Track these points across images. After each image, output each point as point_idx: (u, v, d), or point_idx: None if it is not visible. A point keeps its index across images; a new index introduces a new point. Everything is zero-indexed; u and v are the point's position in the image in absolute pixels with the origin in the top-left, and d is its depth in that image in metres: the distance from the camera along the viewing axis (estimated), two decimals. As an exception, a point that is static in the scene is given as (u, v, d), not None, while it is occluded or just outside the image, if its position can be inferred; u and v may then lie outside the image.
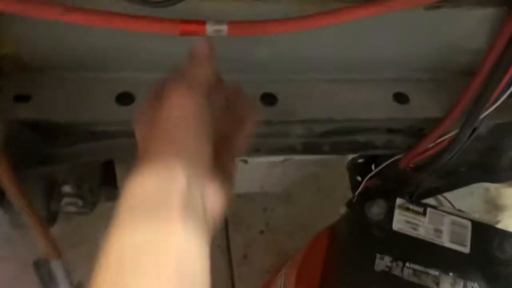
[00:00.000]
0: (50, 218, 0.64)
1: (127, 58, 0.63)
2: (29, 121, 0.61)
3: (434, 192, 0.95)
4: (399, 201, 0.76)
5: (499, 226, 0.82)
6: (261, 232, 1.40)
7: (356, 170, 1.01)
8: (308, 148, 0.72)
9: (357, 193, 0.84)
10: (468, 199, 1.47)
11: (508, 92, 0.62)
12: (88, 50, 0.61)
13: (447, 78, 0.71)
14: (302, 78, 0.68)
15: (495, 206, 1.59)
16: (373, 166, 1.00)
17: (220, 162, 0.41)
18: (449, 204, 1.39)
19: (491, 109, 0.64)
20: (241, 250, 1.36)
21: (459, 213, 0.77)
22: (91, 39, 0.60)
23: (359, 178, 1.00)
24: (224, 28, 0.50)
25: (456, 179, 0.90)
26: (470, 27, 0.64)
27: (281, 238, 1.37)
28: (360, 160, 0.98)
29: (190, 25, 0.50)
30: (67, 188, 0.81)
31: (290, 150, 0.71)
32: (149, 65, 0.64)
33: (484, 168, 0.86)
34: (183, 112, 0.38)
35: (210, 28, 0.50)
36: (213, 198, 0.39)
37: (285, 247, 1.34)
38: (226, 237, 1.37)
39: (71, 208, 0.85)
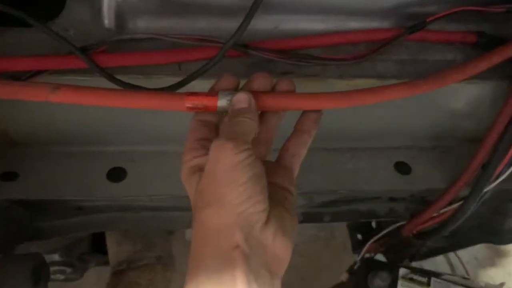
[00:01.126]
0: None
1: (119, 132, 0.61)
2: (17, 199, 0.58)
3: (437, 252, 0.92)
4: (402, 271, 0.73)
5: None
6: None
7: (357, 228, 0.99)
8: (309, 218, 0.69)
9: (358, 259, 0.80)
10: (469, 245, 1.44)
11: (509, 171, 0.61)
12: (77, 125, 0.59)
13: (450, 145, 0.70)
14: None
15: (496, 252, 1.56)
16: (373, 223, 0.97)
17: (278, 209, 0.38)
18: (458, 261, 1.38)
19: (496, 182, 0.62)
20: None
21: (465, 282, 0.73)
22: (80, 114, 0.58)
23: (359, 237, 0.97)
24: None
25: (459, 240, 0.88)
26: (473, 98, 0.63)
27: (280, 290, 1.33)
28: (360, 218, 0.96)
29: (199, 98, 0.41)
30: (55, 257, 0.78)
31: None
32: (144, 138, 0.63)
33: (488, 230, 0.83)
34: (231, 169, 0.36)
35: (223, 101, 0.41)
36: (275, 251, 0.37)
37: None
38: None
39: (59, 276, 0.81)
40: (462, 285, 0.72)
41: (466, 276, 0.78)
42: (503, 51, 0.54)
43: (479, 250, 1.56)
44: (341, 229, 1.21)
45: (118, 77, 0.49)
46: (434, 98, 0.62)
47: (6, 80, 0.48)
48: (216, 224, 0.35)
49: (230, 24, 0.52)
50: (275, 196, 0.39)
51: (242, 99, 0.40)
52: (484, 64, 0.52)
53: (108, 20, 0.54)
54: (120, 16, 0.54)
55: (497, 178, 0.62)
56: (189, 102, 0.41)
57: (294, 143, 0.45)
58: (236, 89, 0.43)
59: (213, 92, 0.42)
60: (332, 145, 0.67)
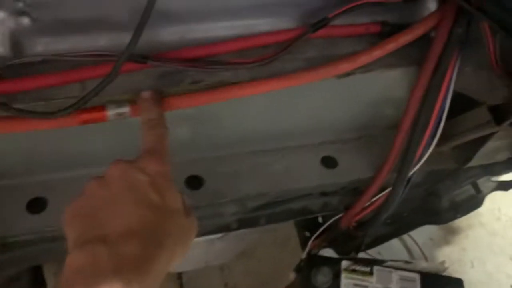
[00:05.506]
0: None
1: (34, 160, 0.59)
2: None
3: (383, 239, 0.93)
4: (344, 263, 0.73)
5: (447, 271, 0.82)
6: (221, 293, 1.34)
7: (304, 225, 0.99)
8: (244, 224, 0.69)
9: (303, 257, 0.81)
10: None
11: (432, 147, 0.62)
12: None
13: (374, 134, 0.71)
14: (227, 153, 0.66)
15: (450, 230, 1.61)
16: (319, 219, 0.98)
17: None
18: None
19: (419, 165, 0.63)
20: (201, 317, 1.29)
21: (407, 266, 0.75)
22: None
23: (307, 234, 0.98)
24: (126, 109, 0.48)
25: (402, 224, 0.90)
26: (387, 86, 0.64)
27: (242, 298, 1.32)
28: (306, 215, 0.97)
29: (89, 113, 0.47)
30: (-11, 297, 0.74)
31: (225, 228, 0.68)
32: (63, 164, 0.60)
33: (427, 212, 0.86)
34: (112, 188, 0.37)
35: (111, 112, 0.47)
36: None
37: (249, 307, 1.29)
38: (183, 305, 1.31)
39: (-5, 317, 0.77)
40: (404, 269, 0.74)
41: (409, 260, 0.80)
42: (399, 37, 0.56)
43: (433, 231, 1.60)
44: (295, 230, 1.21)
45: (18, 105, 0.47)
46: (351, 89, 0.63)
47: None
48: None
49: (134, 39, 0.51)
50: None
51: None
52: (378, 52, 0.54)
53: (3, 47, 0.51)
54: (16, 43, 0.52)
55: (419, 160, 0.63)
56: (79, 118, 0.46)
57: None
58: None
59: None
60: (258, 147, 0.67)
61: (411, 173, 0.64)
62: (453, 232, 1.62)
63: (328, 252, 0.94)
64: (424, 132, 0.61)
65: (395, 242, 1.42)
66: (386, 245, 1.05)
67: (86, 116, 0.46)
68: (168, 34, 0.56)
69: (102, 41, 0.54)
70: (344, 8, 0.57)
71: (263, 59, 0.56)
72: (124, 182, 0.38)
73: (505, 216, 1.69)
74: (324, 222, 0.96)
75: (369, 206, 0.70)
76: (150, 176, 0.38)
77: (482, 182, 0.79)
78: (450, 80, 0.58)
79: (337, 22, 0.59)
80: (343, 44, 0.61)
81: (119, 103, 0.47)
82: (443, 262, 0.77)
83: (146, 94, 0.49)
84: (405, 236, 1.49)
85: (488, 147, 0.64)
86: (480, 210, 1.03)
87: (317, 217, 0.98)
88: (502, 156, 0.69)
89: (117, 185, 0.38)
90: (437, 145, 0.64)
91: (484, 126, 0.59)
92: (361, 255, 0.97)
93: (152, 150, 0.42)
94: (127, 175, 0.38)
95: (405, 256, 1.53)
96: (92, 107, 0.46)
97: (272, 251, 1.38)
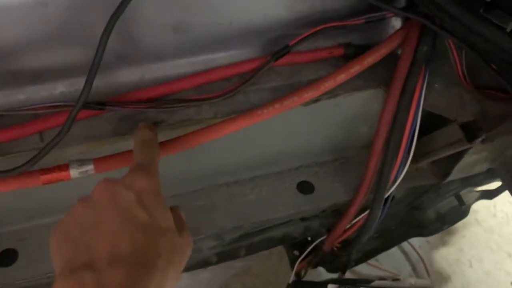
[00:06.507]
0: None
1: (4, 211, 0.58)
2: None
3: (371, 254, 0.92)
4: (330, 287, 0.72)
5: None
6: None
7: (292, 244, 0.98)
8: (224, 257, 0.68)
9: (290, 281, 0.80)
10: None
11: (406, 167, 0.61)
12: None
13: (349, 155, 0.70)
14: (200, 187, 0.65)
15: (447, 231, 1.59)
16: (309, 237, 0.97)
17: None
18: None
19: (395, 185, 0.62)
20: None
21: (394, 284, 0.74)
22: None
23: (296, 253, 0.97)
24: (90, 167, 0.47)
25: (389, 238, 0.89)
26: (356, 107, 0.63)
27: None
28: (294, 234, 0.95)
29: (52, 174, 0.46)
30: None
31: (205, 263, 0.67)
32: (31, 213, 0.59)
33: (413, 225, 0.85)
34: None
35: (75, 171, 0.46)
36: None
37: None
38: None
39: None
40: (391, 287, 0.73)
41: (397, 276, 0.78)
42: (363, 59, 0.55)
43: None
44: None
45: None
46: (321, 113, 0.62)
47: None
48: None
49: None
50: None
51: None
52: (342, 77, 0.53)
53: (-42, 104, 0.51)
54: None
55: (395, 180, 0.62)
56: (43, 179, 0.45)
57: None
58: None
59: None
60: (233, 178, 0.66)
61: (388, 193, 0.62)
62: (450, 232, 1.61)
63: (318, 270, 0.93)
64: (397, 153, 0.60)
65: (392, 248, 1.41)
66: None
67: (48, 177, 0.45)
68: (127, 75, 0.55)
69: (59, 88, 0.53)
70: (304, 35, 0.55)
71: (225, 92, 0.55)
72: (111, 201, 0.36)
73: (501, 213, 1.68)
74: (312, 240, 0.95)
75: (350, 227, 0.69)
76: (137, 193, 0.37)
77: (465, 193, 0.78)
78: (419, 99, 0.57)
79: (299, 48, 0.58)
80: (308, 70, 0.60)
81: (82, 161, 0.45)
82: (429, 281, 0.76)
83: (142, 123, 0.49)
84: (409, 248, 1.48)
85: (465, 161, 0.63)
86: (476, 207, 1.02)
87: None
88: (481, 168, 0.67)
89: (103, 206, 0.36)
90: (414, 162, 0.64)
91: (456, 144, 0.57)
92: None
93: (140, 165, 0.41)
94: (113, 194, 0.37)
95: (402, 260, 1.52)
96: (54, 167, 0.45)
97: (268, 264, 1.37)
